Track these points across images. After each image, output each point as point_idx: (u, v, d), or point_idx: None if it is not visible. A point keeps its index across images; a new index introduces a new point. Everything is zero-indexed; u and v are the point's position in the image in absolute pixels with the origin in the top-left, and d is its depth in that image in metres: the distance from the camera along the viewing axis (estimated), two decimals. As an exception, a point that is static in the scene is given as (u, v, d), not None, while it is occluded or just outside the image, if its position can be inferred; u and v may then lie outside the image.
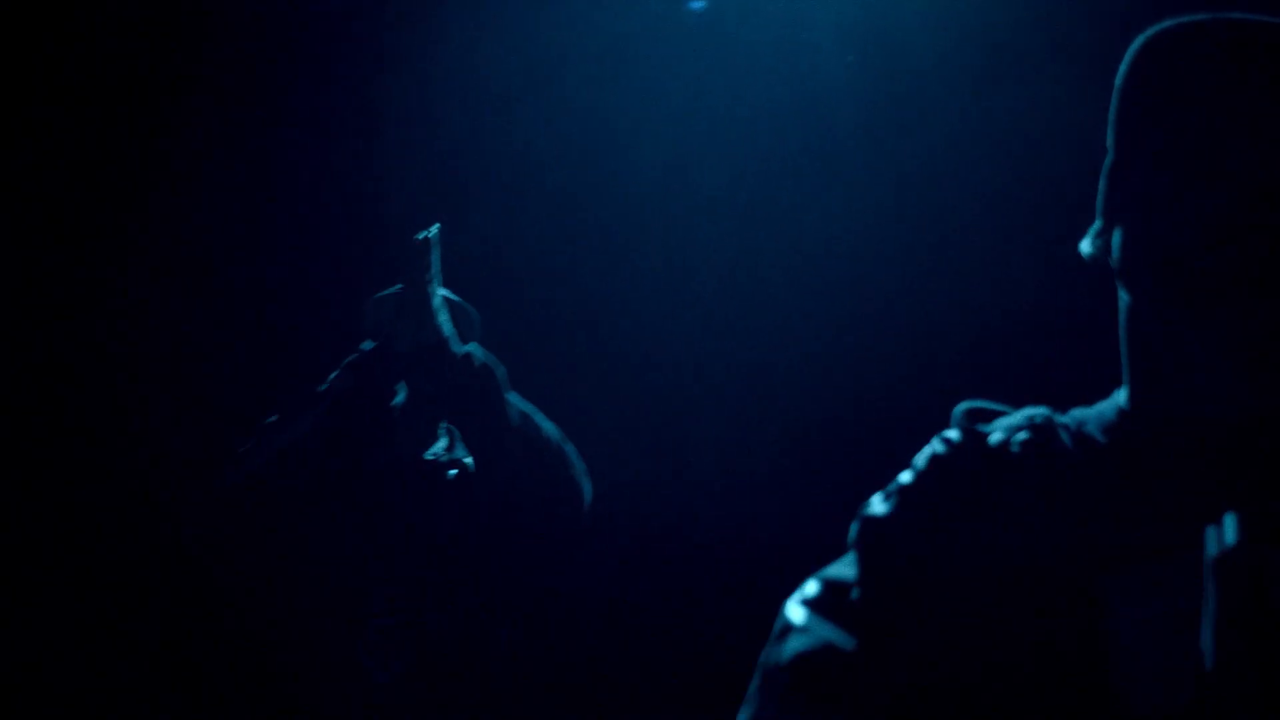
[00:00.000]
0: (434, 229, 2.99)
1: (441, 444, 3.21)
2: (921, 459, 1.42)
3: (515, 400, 3.09)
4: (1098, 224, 1.42)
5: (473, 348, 3.05)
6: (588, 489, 3.14)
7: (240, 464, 3.07)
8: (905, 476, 1.42)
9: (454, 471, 3.15)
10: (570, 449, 3.13)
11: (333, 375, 3.09)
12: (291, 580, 3.07)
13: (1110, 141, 1.40)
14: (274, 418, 3.13)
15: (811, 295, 4.59)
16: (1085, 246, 1.43)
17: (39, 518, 4.39)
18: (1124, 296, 1.40)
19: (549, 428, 3.11)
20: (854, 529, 1.42)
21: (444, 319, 3.03)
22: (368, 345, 3.08)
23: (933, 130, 4.50)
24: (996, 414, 1.46)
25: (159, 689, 4.28)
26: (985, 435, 1.41)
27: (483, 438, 3.06)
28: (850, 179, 4.57)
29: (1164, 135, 1.31)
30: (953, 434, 1.43)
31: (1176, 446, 1.33)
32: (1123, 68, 1.38)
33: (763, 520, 4.38)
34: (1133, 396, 1.40)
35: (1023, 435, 1.39)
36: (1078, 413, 1.45)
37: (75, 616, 4.36)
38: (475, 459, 3.14)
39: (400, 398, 3.11)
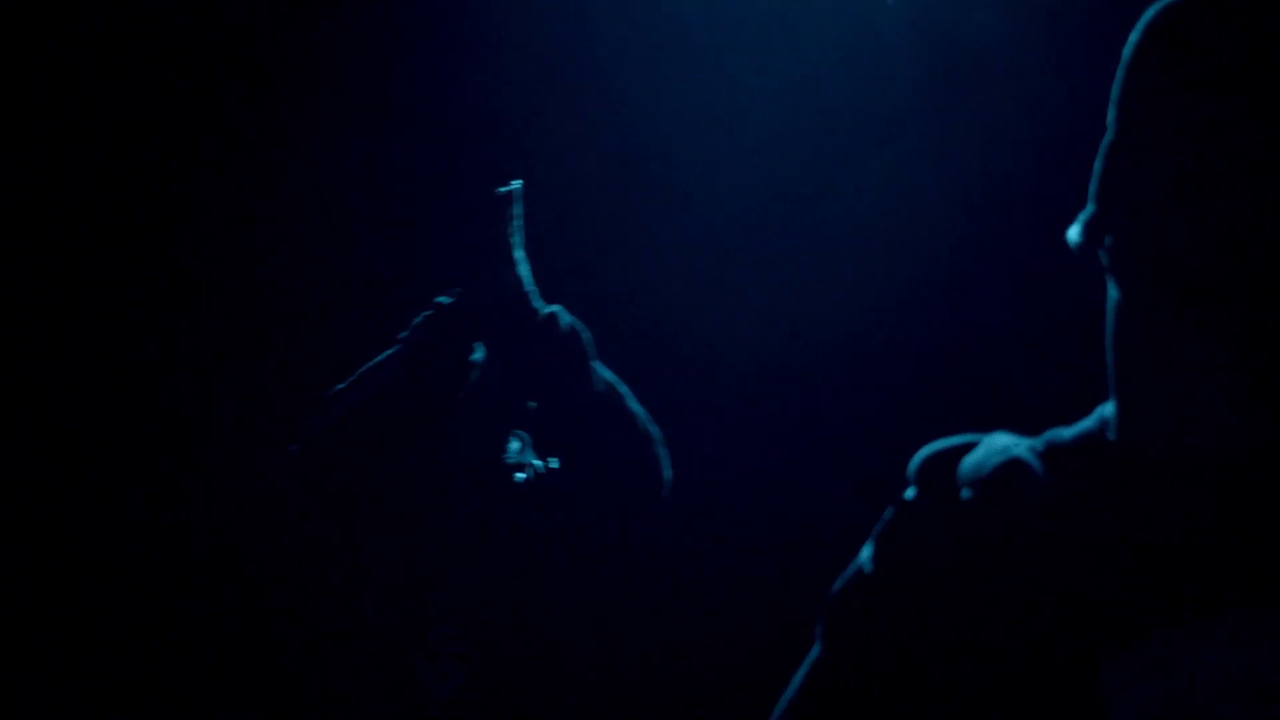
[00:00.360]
0: (517, 183, 2.85)
1: (514, 446, 3.03)
2: (880, 532, 1.28)
3: (601, 370, 2.92)
4: (1090, 209, 1.25)
5: (557, 308, 2.88)
6: (669, 478, 2.95)
7: (307, 433, 2.92)
8: (865, 558, 1.28)
9: (524, 474, 2.98)
10: (656, 432, 2.94)
11: (405, 333, 2.92)
12: (346, 575, 2.92)
13: (1111, 117, 1.24)
14: (343, 384, 2.97)
15: (854, 280, 4.47)
16: (1074, 234, 1.26)
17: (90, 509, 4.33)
18: (1114, 294, 1.23)
19: (635, 405, 2.93)
20: (818, 627, 1.30)
21: (525, 273, 2.87)
22: (443, 299, 2.91)
23: (989, 112, 4.37)
24: (960, 451, 1.29)
25: (209, 694, 4.20)
26: (948, 493, 1.26)
27: (564, 406, 2.88)
28: (900, 158, 4.46)
29: (1175, 115, 1.16)
30: (909, 494, 1.27)
31: (1167, 487, 1.17)
32: (1134, 36, 1.23)
33: (806, 514, 4.26)
34: (1118, 413, 1.24)
35: (992, 486, 1.24)
36: (1056, 437, 1.28)
37: (130, 615, 4.30)
38: (555, 430, 2.96)
39: (478, 356, 2.93)
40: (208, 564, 4.23)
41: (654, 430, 2.92)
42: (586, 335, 2.90)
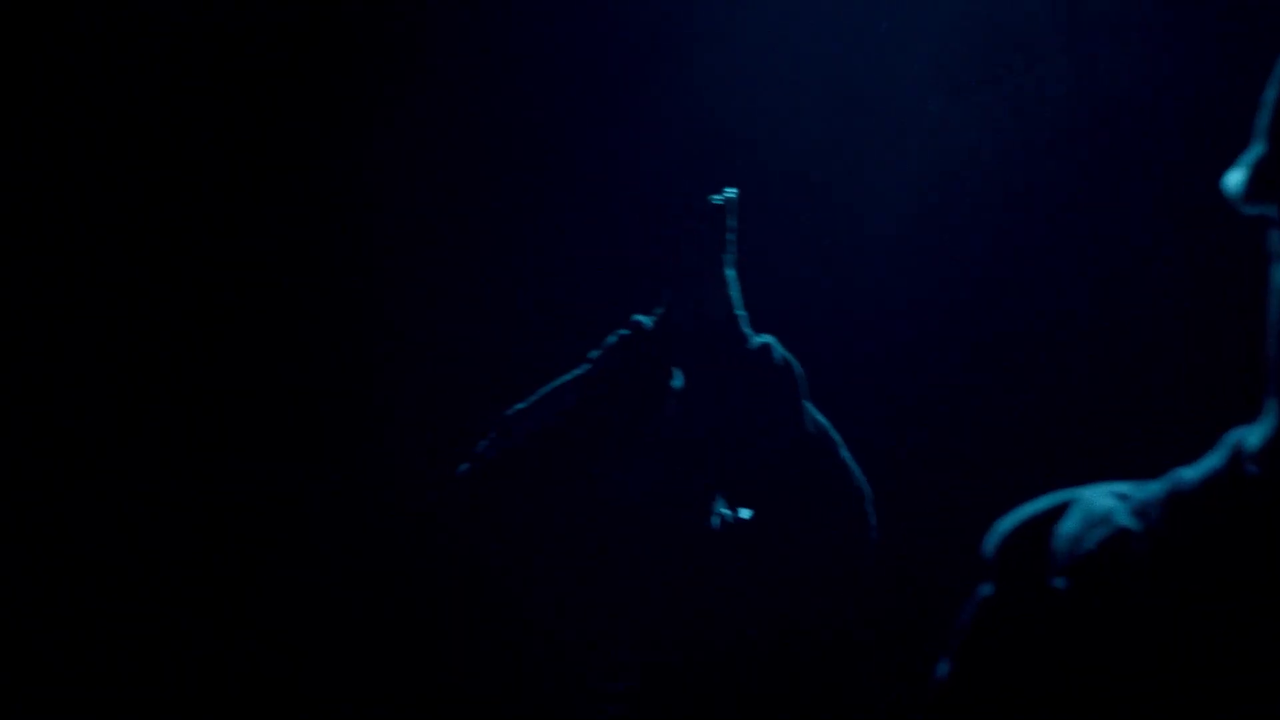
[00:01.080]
0: (732, 192, 2.54)
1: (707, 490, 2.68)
2: (956, 644, 0.96)
3: (813, 413, 2.57)
4: (1258, 150, 0.90)
5: (770, 339, 2.56)
6: (875, 540, 2.59)
7: (479, 455, 2.63)
8: (942, 672, 0.96)
9: (714, 523, 2.64)
10: (868, 489, 2.58)
11: (596, 352, 2.63)
12: (508, 612, 2.62)
13: None
14: (523, 404, 2.68)
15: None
16: (1234, 181, 0.92)
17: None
18: None
19: (847, 456, 2.58)
20: None
21: (736, 295, 2.55)
22: (641, 319, 2.61)
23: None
24: (1046, 521, 0.94)
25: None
26: (1035, 583, 0.92)
27: (769, 449, 2.53)
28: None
29: None
30: (987, 590, 0.94)
31: None
32: None
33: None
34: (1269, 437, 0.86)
35: (1094, 569, 0.89)
36: (1176, 484, 0.92)
37: (285, 640, 4.25)
38: (755, 475, 2.60)
39: (675, 384, 2.61)
40: (370, 588, 4.11)
41: (866, 487, 2.58)
42: (799, 372, 2.57)
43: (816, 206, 4.13)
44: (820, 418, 2.57)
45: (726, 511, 2.65)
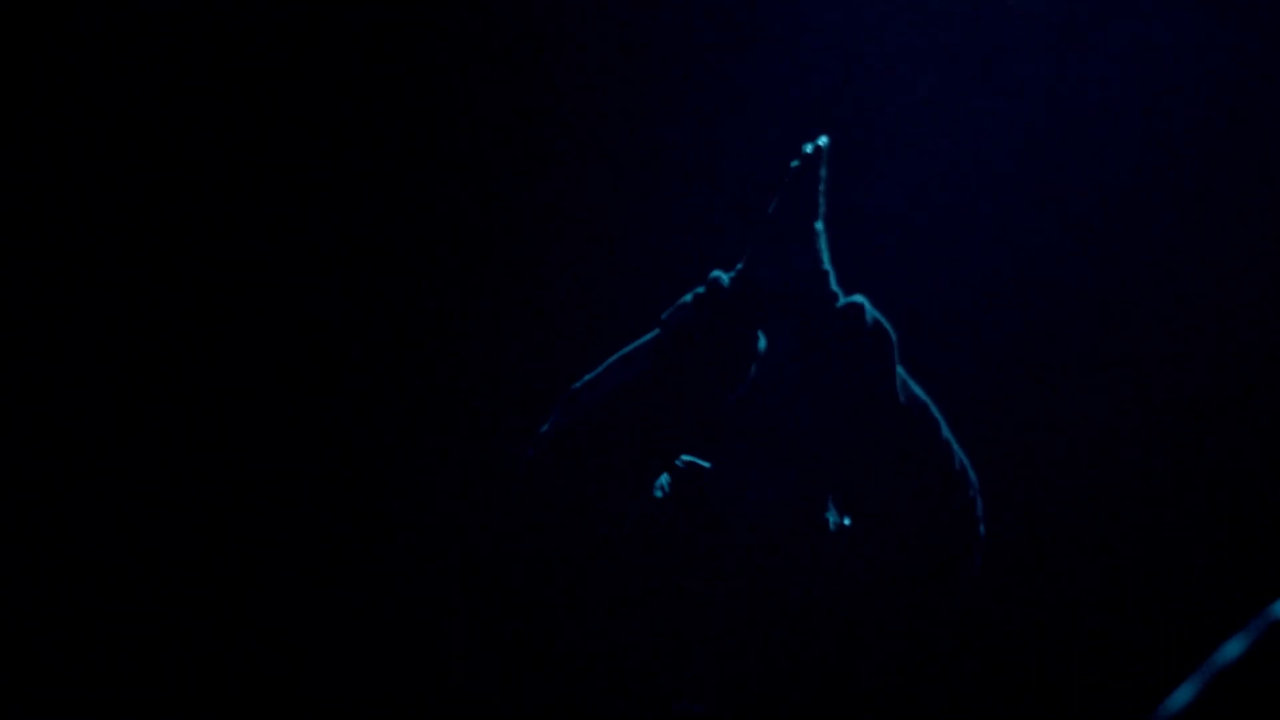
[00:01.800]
0: (823, 140, 2.23)
1: (823, 502, 2.41)
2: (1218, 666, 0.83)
3: (910, 385, 2.27)
4: None
5: (860, 299, 2.24)
6: (982, 539, 2.27)
7: (542, 437, 2.33)
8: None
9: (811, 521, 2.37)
10: (973, 475, 2.27)
11: (667, 312, 2.30)
12: (573, 612, 2.33)
13: None
14: (589, 376, 2.35)
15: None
16: None
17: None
18: None
19: (949, 435, 2.26)
20: None
21: (824, 250, 2.24)
22: (719, 276, 2.27)
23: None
24: None
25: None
26: None
27: (862, 424, 2.22)
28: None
29: None
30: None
31: None
32: None
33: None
34: None
35: None
36: None
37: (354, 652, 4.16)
38: (847, 454, 2.27)
39: (758, 349, 2.28)
40: (430, 584, 4.03)
41: (973, 474, 2.26)
42: (893, 337, 2.25)
43: (865, 188, 3.97)
44: (919, 391, 2.26)
45: (833, 517, 2.38)
